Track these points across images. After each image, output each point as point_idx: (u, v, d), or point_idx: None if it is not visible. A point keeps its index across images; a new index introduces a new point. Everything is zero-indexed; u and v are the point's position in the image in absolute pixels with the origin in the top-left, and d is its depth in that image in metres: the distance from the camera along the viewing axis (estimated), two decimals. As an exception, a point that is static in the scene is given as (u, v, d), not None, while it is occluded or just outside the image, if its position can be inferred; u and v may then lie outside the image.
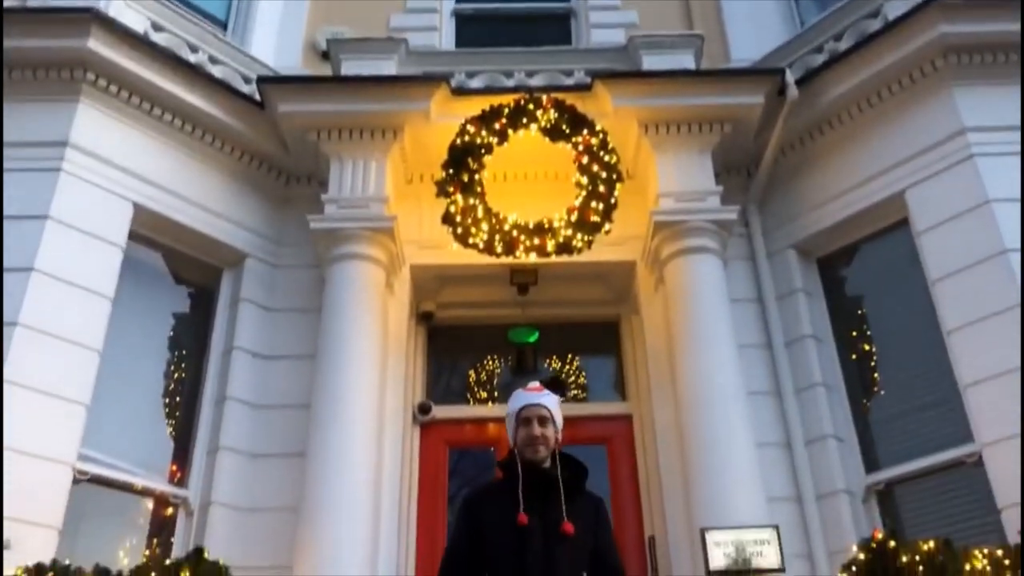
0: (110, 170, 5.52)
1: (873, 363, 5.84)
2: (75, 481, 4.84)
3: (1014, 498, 4.56)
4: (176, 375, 5.88)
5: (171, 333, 5.94)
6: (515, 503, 3.01)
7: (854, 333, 5.96)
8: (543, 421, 3.16)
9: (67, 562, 3.93)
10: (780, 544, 4.78)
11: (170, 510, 5.43)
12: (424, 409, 6.20)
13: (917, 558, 3.42)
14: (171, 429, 5.70)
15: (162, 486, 5.40)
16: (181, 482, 5.51)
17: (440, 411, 6.24)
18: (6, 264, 4.92)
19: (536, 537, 2.97)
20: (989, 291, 5.04)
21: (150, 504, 5.39)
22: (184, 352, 5.94)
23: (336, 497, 4.99)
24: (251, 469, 5.49)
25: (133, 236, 5.58)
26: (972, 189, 5.30)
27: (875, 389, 5.75)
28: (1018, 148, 5.28)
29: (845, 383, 5.81)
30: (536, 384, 3.31)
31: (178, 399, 5.82)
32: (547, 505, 3.03)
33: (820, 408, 5.63)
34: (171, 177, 5.84)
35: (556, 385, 3.31)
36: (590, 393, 6.59)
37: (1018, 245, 5.03)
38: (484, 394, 6.64)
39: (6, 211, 5.06)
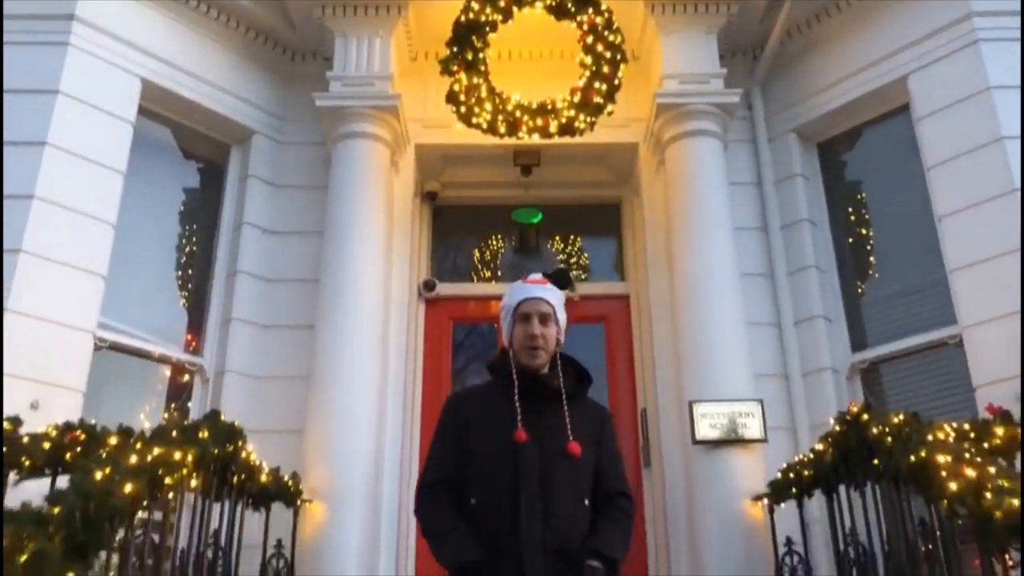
0: (117, 44, 5.54)
1: (866, 247, 5.99)
2: (96, 348, 5.08)
3: (988, 377, 4.78)
4: (188, 249, 6.07)
5: (183, 208, 6.10)
6: (507, 414, 2.60)
7: (850, 217, 6.08)
8: (544, 319, 2.70)
9: (93, 422, 4.20)
10: (764, 417, 5.05)
11: (186, 377, 5.71)
12: (429, 286, 6.40)
13: (886, 429, 3.64)
14: (185, 300, 5.93)
15: (178, 354, 5.67)
16: (196, 351, 5.77)
17: (444, 288, 6.44)
18: (19, 139, 5.02)
19: (532, 456, 2.55)
20: (982, 178, 5.12)
21: (167, 371, 5.67)
22: (195, 227, 6.11)
23: (345, 367, 5.24)
24: (263, 340, 5.74)
25: (142, 111, 5.65)
26: (974, 75, 5.30)
27: (866, 272, 5.92)
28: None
29: (837, 265, 5.96)
30: (538, 275, 2.83)
31: (191, 272, 6.03)
32: (545, 419, 2.62)
33: (811, 289, 5.81)
34: (178, 52, 5.87)
35: (561, 278, 2.84)
36: (591, 273, 6.77)
37: (1015, 132, 5.08)
38: (488, 273, 6.83)
39: (16, 85, 5.12)
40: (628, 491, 2.75)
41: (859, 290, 5.90)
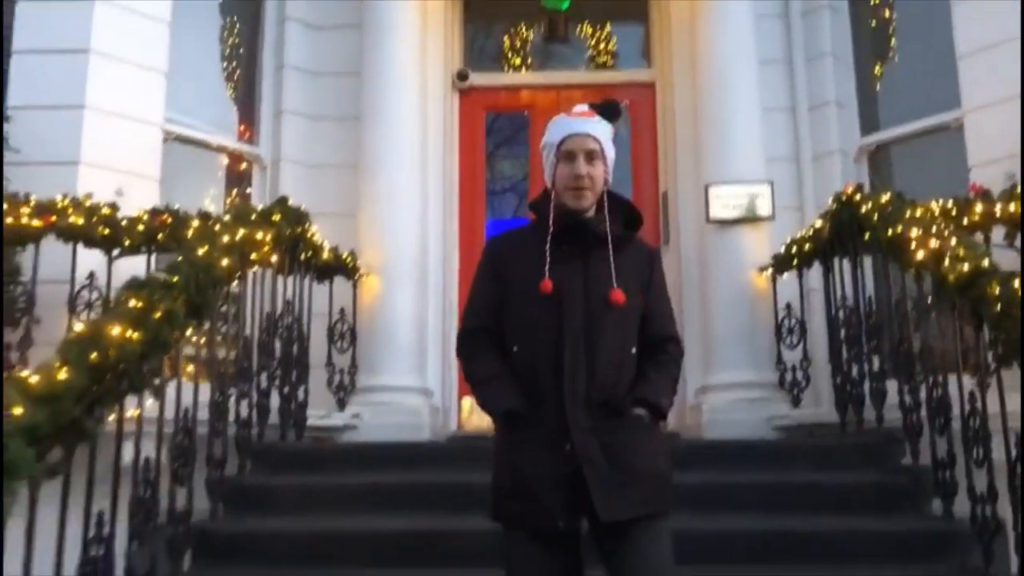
0: None
1: (884, 33, 6.19)
2: (164, 140, 5.59)
3: (982, 159, 5.17)
4: (234, 42, 6.42)
5: (228, 5, 6.39)
6: (549, 257, 2.44)
7: (870, 2, 6.24)
8: (591, 156, 2.46)
9: (176, 206, 4.79)
10: (773, 198, 5.53)
11: (244, 165, 6.26)
12: (462, 76, 6.74)
13: (873, 207, 4.13)
14: (239, 94, 6.36)
15: (237, 144, 6.18)
16: (250, 140, 6.27)
17: (477, 78, 6.78)
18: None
19: (575, 304, 2.40)
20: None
21: (228, 161, 6.21)
22: (241, 23, 6.42)
23: (390, 155, 5.75)
24: (313, 130, 6.20)
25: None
26: None
27: (880, 58, 6.16)
28: None
29: (854, 51, 6.20)
30: (584, 108, 2.56)
31: (237, 66, 6.42)
32: (590, 264, 2.44)
33: (826, 76, 6.09)
34: None
35: (610, 110, 2.56)
36: (618, 60, 7.04)
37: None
38: (518, 61, 7.11)
39: None
40: (677, 335, 2.61)
41: (873, 75, 6.17)
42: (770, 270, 5.38)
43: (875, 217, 4.12)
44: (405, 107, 5.88)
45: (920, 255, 3.58)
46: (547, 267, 2.41)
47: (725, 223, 5.55)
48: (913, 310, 3.99)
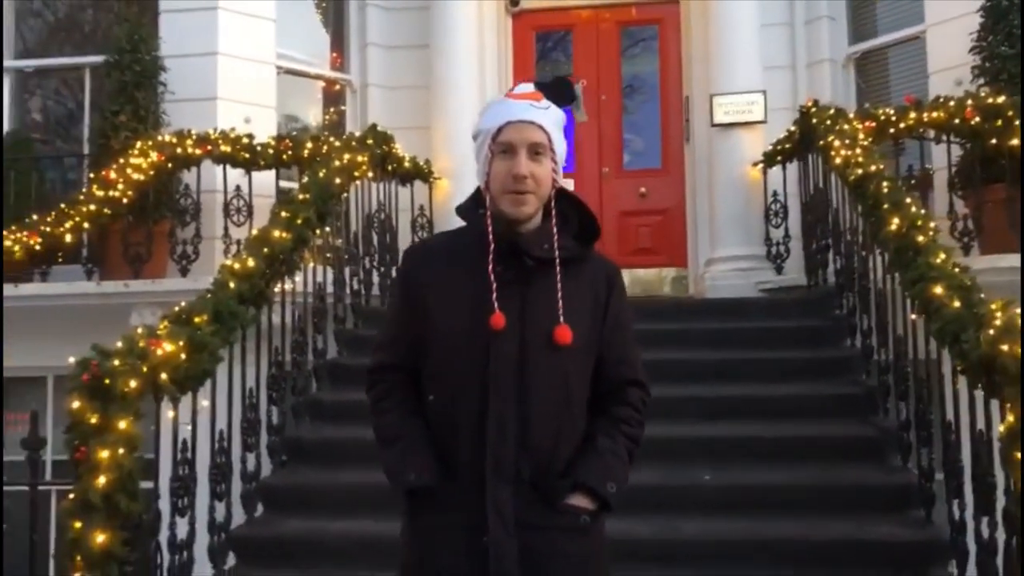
0: None
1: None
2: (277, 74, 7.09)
3: (938, 66, 6.30)
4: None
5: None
6: (480, 284, 1.97)
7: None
8: (535, 151, 1.98)
9: (293, 132, 6.31)
10: (766, 104, 6.74)
11: (337, 87, 7.75)
12: (514, 1, 7.98)
13: (819, 120, 5.38)
14: (331, 30, 7.78)
15: (332, 73, 7.66)
16: (343, 69, 7.73)
17: (526, 2, 8.00)
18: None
19: (508, 346, 1.95)
20: None
21: (324, 85, 7.70)
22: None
23: (454, 76, 7.15)
24: (391, 58, 7.62)
25: None
26: None
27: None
28: None
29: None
30: (529, 88, 2.07)
31: (330, 8, 7.82)
32: (530, 291, 1.98)
33: (821, -6, 7.19)
34: None
35: (562, 90, 2.07)
36: (646, -18, 8.14)
37: None
38: (564, -20, 8.27)
39: None
40: (642, 378, 2.11)
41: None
42: (761, 165, 6.66)
43: (822, 127, 5.37)
44: (466, 34, 7.22)
45: (837, 160, 4.87)
46: (495, 295, 1.94)
47: (726, 127, 6.81)
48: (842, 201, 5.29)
